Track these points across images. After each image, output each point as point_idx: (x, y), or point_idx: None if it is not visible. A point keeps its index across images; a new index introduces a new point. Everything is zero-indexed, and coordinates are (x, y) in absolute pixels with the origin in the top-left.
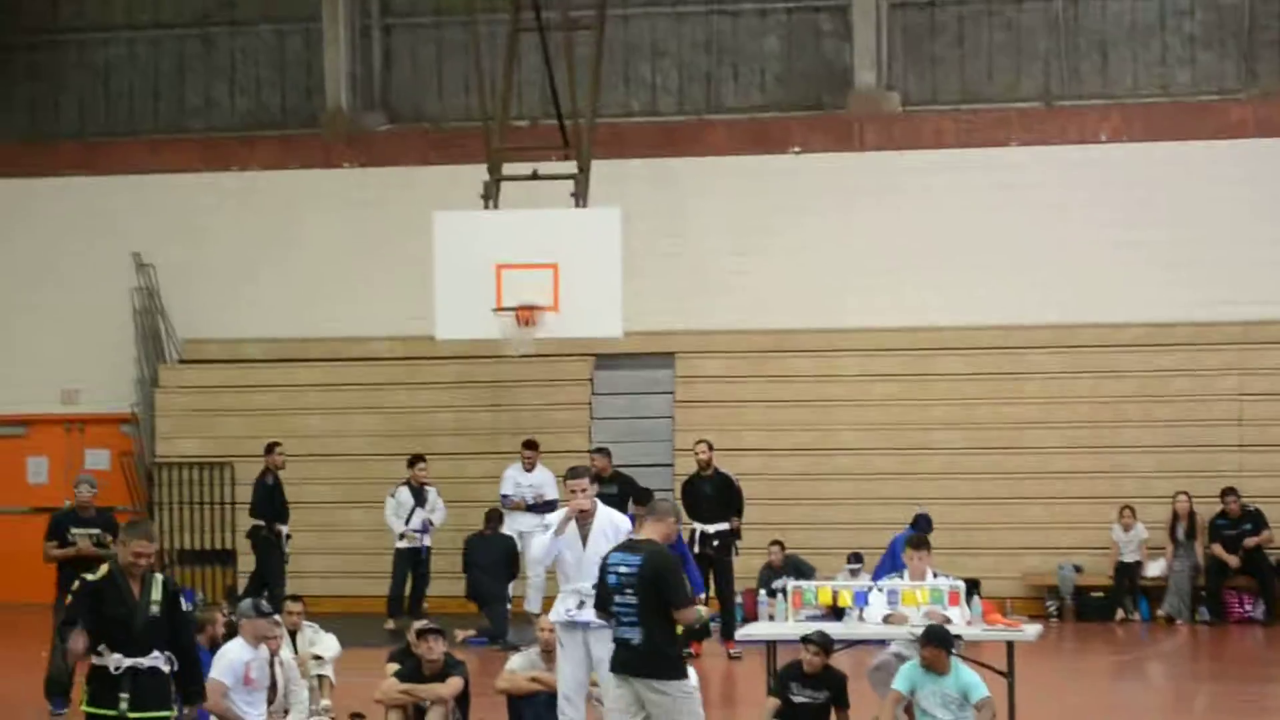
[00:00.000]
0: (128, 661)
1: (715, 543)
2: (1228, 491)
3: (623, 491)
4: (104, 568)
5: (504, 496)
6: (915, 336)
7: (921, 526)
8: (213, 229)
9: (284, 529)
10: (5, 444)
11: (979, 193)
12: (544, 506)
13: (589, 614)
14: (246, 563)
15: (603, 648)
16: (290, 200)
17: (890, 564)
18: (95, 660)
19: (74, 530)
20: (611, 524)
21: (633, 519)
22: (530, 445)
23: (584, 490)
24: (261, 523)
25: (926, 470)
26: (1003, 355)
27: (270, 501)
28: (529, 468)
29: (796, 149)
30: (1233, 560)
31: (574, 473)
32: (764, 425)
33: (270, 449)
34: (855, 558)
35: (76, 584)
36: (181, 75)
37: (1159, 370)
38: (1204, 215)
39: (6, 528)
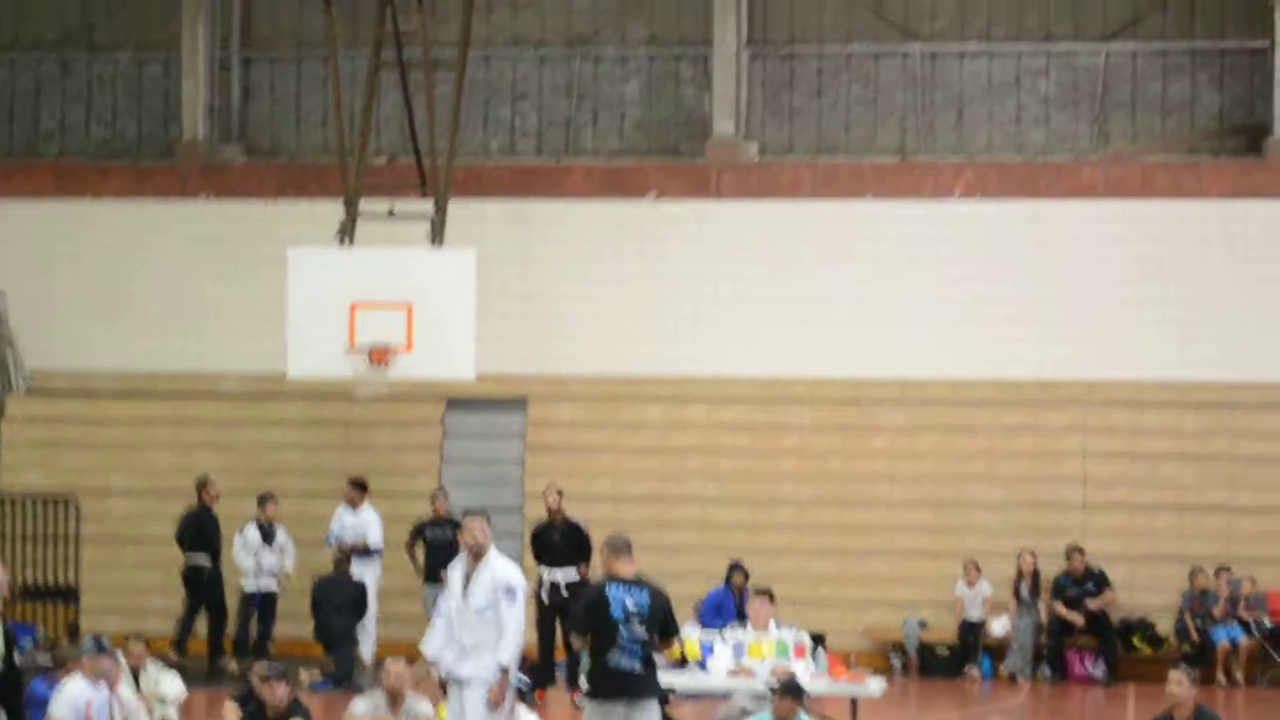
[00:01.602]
0: None
1: (563, 590)
2: (1073, 549)
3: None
4: None
5: (329, 540)
6: (765, 387)
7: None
8: (64, 258)
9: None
10: None
11: (834, 244)
12: (362, 551)
13: (469, 668)
14: (90, 601)
15: (476, 701)
16: (143, 231)
17: (713, 615)
18: None
19: None
20: (494, 577)
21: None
22: (356, 484)
23: (483, 531)
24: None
25: (774, 521)
26: (852, 408)
27: (207, 535)
28: (352, 506)
29: (654, 195)
30: (1077, 619)
31: (471, 513)
32: (614, 472)
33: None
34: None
35: None
36: (37, 99)
37: (1005, 426)
38: (1054, 274)
39: None
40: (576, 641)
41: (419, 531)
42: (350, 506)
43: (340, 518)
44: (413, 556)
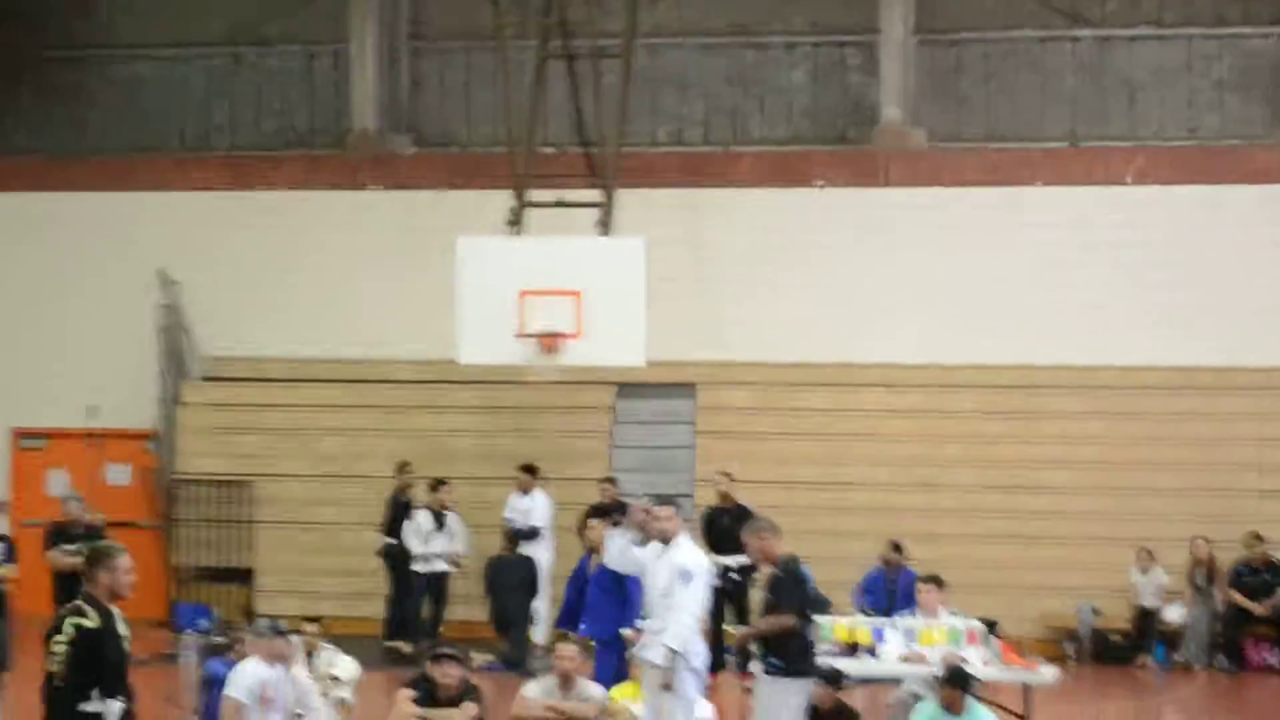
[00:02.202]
0: (118, 706)
1: (735, 575)
2: (1253, 537)
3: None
4: (92, 614)
5: (506, 519)
6: (934, 373)
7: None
8: (237, 247)
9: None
10: (27, 456)
11: (1002, 231)
12: (529, 534)
13: (651, 652)
14: (265, 583)
15: (651, 684)
16: (315, 220)
17: (861, 594)
18: (86, 708)
19: (63, 546)
20: (673, 562)
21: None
22: (526, 469)
23: (670, 518)
24: (394, 541)
25: (943, 507)
26: (1021, 394)
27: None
28: (524, 491)
29: (820, 182)
30: (1257, 608)
31: (662, 500)
32: (783, 457)
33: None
34: None
35: (72, 632)
36: (209, 94)
37: (1178, 413)
38: (1227, 259)
39: (28, 540)
40: (795, 622)
41: (589, 518)
42: (521, 491)
43: (512, 503)
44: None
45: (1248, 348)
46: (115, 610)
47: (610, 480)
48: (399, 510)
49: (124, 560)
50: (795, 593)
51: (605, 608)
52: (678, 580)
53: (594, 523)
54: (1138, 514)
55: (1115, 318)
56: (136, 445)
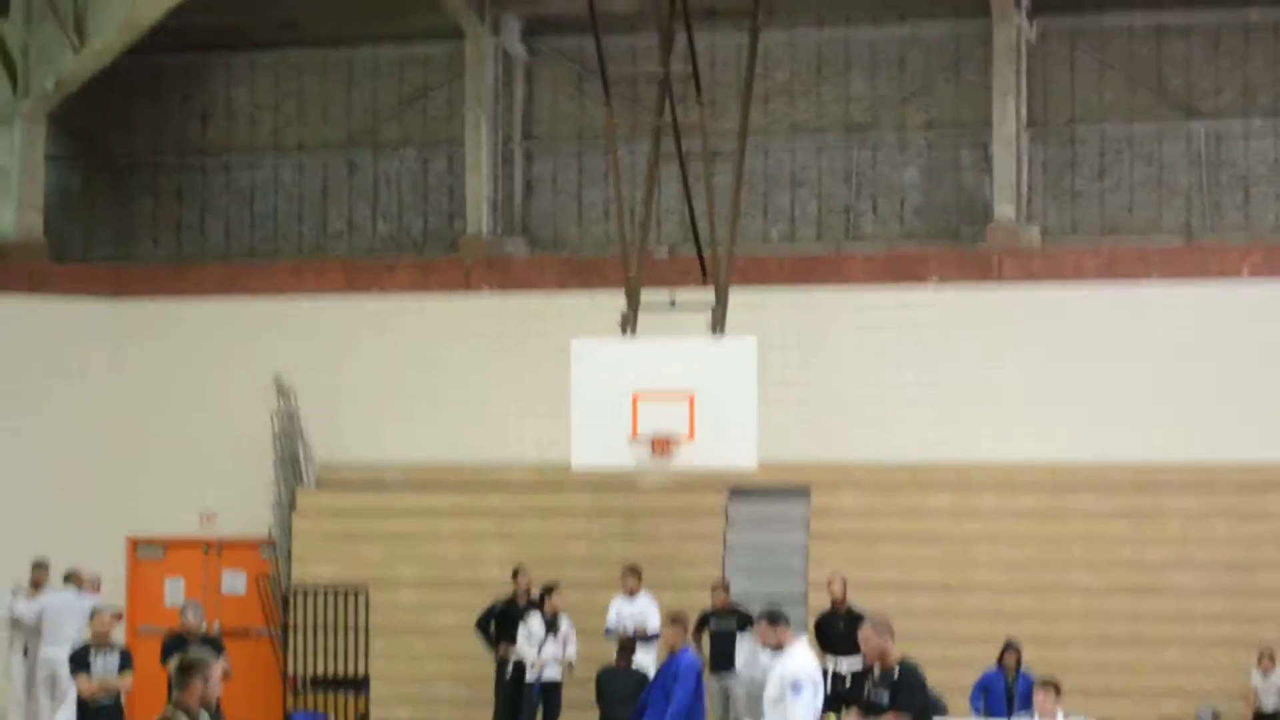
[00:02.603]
0: None
1: (848, 680)
2: None
3: (741, 625)
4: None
5: (607, 630)
6: (1053, 473)
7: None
8: (353, 353)
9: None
10: (144, 566)
11: (1118, 327)
12: (643, 638)
13: None
14: (380, 691)
15: None
16: (429, 325)
17: (978, 694)
18: None
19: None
20: (784, 671)
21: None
22: (632, 571)
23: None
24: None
25: (1064, 609)
26: (1141, 494)
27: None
28: (632, 594)
29: (935, 281)
30: None
31: (770, 617)
32: (899, 560)
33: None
34: None
35: None
36: (325, 198)
37: None
38: None
39: (146, 648)
40: None
41: (703, 622)
42: (628, 594)
43: (615, 607)
44: (699, 647)
45: None
46: (205, 716)
47: (723, 582)
48: (508, 616)
49: (217, 670)
50: (916, 695)
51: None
52: (789, 690)
53: (668, 630)
54: (1260, 615)
55: (1234, 414)
56: (252, 553)
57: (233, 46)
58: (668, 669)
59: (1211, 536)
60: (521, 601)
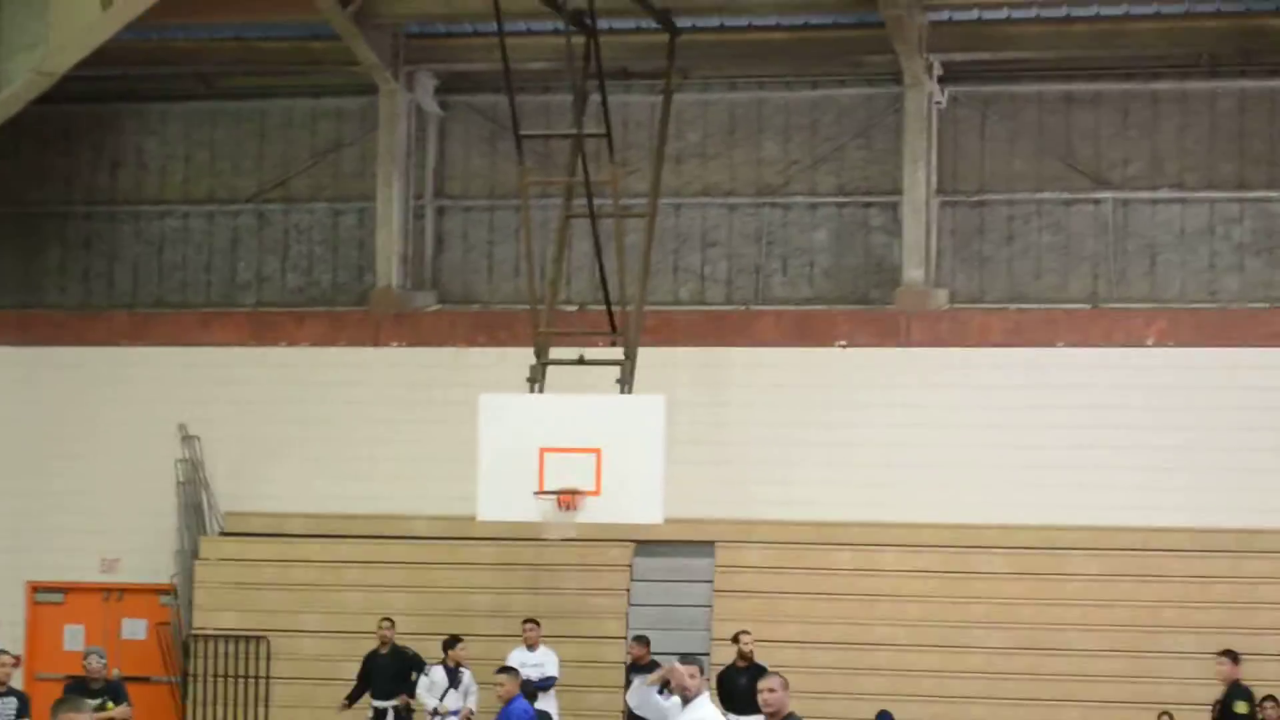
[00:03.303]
0: None
1: None
2: (1267, 699)
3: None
4: None
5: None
6: (957, 533)
7: None
8: (259, 403)
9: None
10: (44, 611)
11: (1024, 391)
12: (544, 684)
13: None
14: None
15: None
16: (337, 376)
17: None
18: None
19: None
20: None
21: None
22: (531, 621)
23: (692, 676)
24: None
25: (965, 669)
26: (1044, 556)
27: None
28: (531, 645)
29: (843, 342)
30: None
31: (688, 659)
32: (803, 617)
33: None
34: None
35: None
36: (234, 249)
37: (1201, 576)
38: (1250, 422)
39: (43, 695)
40: None
41: (627, 678)
42: (528, 646)
43: (517, 658)
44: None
45: (1271, 510)
46: None
47: (640, 639)
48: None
49: (66, 718)
50: None
51: None
52: None
53: (502, 677)
54: (1161, 677)
55: (1138, 479)
56: (153, 600)
57: (145, 98)
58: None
59: (1113, 598)
60: (383, 651)
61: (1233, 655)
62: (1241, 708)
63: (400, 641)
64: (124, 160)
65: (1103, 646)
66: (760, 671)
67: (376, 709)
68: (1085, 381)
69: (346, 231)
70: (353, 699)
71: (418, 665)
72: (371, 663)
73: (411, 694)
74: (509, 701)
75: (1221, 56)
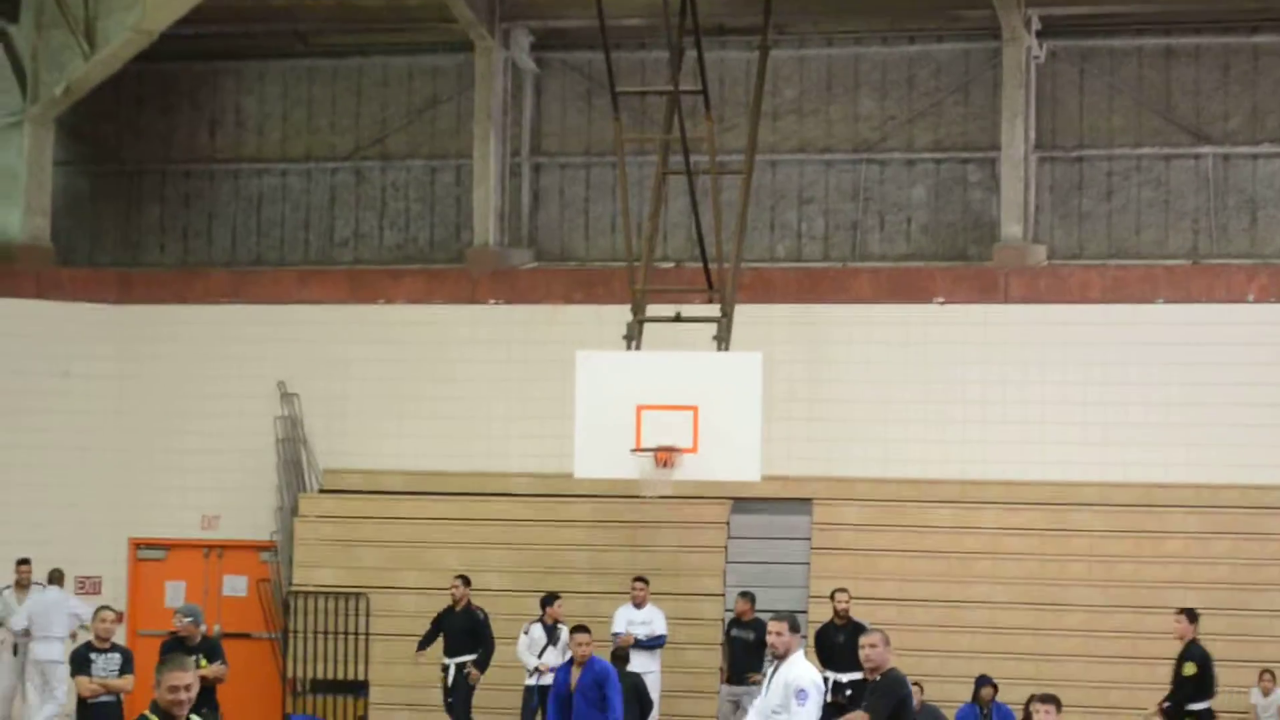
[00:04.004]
0: None
1: (849, 691)
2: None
3: (761, 637)
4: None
5: (614, 635)
6: (1056, 490)
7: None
8: (357, 360)
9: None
10: (146, 568)
11: (1124, 348)
12: (655, 642)
13: None
14: (379, 695)
15: None
16: (434, 334)
17: None
18: None
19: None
20: (788, 680)
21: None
22: (640, 580)
23: (779, 634)
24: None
25: (1063, 627)
26: (1144, 513)
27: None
28: (639, 604)
29: (940, 299)
30: None
31: (776, 616)
32: (900, 575)
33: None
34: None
35: None
36: (332, 207)
37: None
38: None
39: (145, 651)
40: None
41: (726, 632)
42: (635, 604)
43: (624, 616)
44: (723, 656)
45: None
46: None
47: (745, 595)
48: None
49: (169, 676)
50: (885, 700)
51: (590, 718)
52: (793, 698)
53: (580, 637)
54: (1259, 635)
55: (1239, 436)
56: (253, 557)
57: (242, 55)
58: (587, 676)
59: (1214, 555)
60: (456, 609)
61: (1190, 613)
62: (1189, 669)
63: (488, 599)
64: (222, 119)
65: (1202, 604)
66: (859, 629)
67: (445, 665)
68: (1185, 339)
69: (443, 189)
70: (422, 646)
71: (485, 627)
72: (444, 620)
73: (482, 653)
74: (585, 662)
75: None
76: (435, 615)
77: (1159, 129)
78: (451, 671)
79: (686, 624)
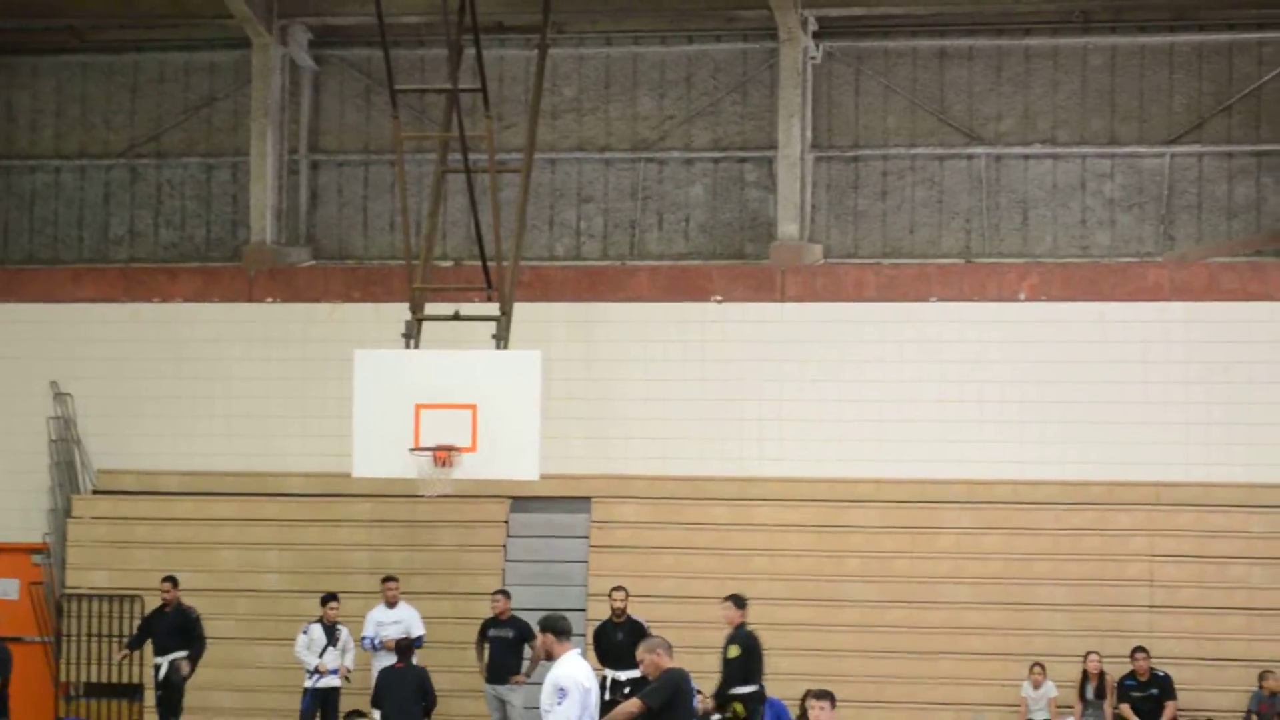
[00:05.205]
0: None
1: (626, 689)
2: (1137, 649)
3: (519, 635)
4: None
5: (364, 639)
6: (831, 487)
7: None
8: (132, 360)
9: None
10: None
11: (898, 346)
12: (410, 645)
13: None
14: (153, 697)
15: None
16: (211, 333)
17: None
18: None
19: None
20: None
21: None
22: (391, 579)
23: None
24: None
25: (839, 622)
26: (917, 509)
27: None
28: (391, 603)
29: (718, 298)
30: None
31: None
32: (678, 572)
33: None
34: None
35: None
36: (106, 205)
37: (1071, 529)
38: (1118, 375)
39: None
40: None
41: (483, 631)
42: (387, 604)
43: (375, 618)
44: (480, 656)
45: (1138, 463)
46: None
47: (502, 593)
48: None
49: None
50: (662, 692)
51: None
52: (554, 696)
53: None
54: (1030, 629)
55: (1009, 433)
56: (26, 559)
57: (14, 50)
58: None
59: (985, 551)
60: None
61: (736, 599)
62: (733, 652)
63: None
64: None
65: (976, 598)
66: (636, 626)
67: (157, 664)
68: (958, 336)
69: (220, 187)
70: (132, 647)
71: (197, 625)
72: (153, 621)
73: (194, 650)
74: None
75: (1093, 13)
76: (145, 616)
77: (933, 129)
78: (164, 669)
79: (465, 623)
